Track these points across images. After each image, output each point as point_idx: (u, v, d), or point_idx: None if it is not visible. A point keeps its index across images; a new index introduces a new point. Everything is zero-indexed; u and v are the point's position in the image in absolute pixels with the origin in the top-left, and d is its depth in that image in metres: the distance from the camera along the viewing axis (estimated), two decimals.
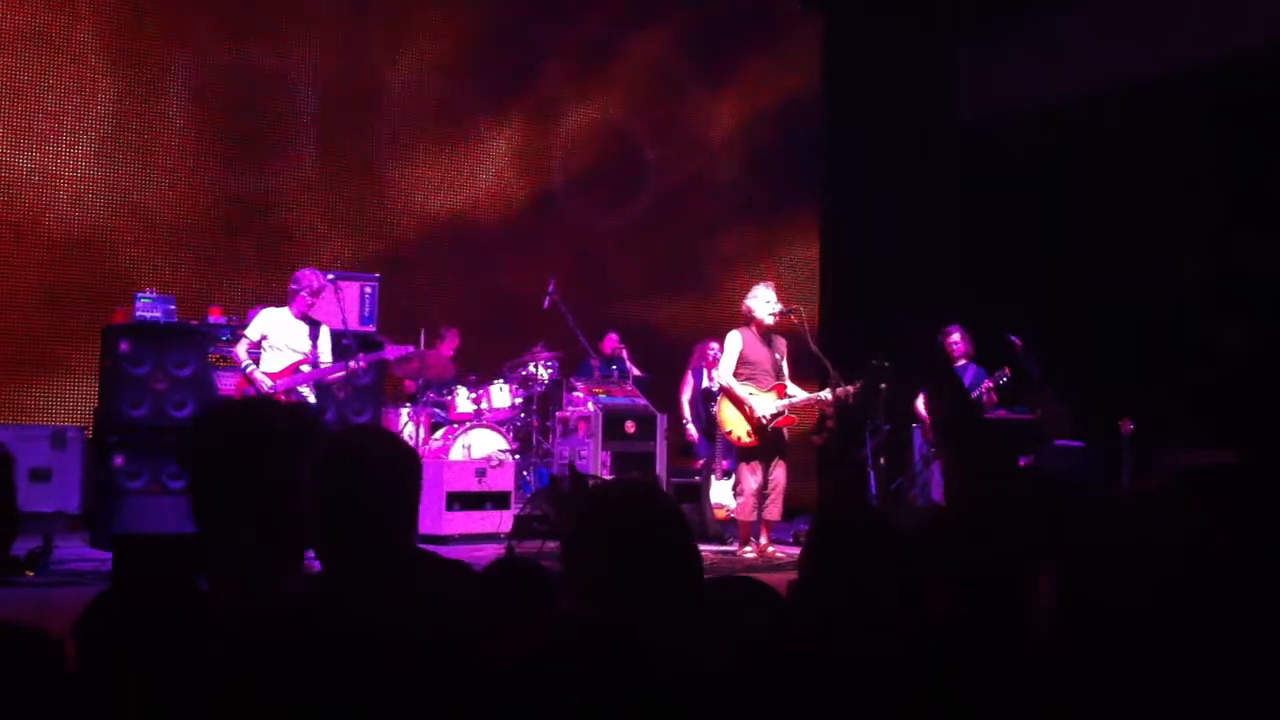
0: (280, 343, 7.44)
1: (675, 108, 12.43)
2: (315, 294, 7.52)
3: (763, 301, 7.76)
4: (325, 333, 7.60)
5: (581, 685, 1.75)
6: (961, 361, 8.88)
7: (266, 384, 7.31)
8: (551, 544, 6.99)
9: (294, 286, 7.52)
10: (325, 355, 7.52)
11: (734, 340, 7.82)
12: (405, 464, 2.42)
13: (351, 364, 7.55)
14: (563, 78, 11.88)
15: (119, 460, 7.87)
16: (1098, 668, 1.85)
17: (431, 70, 11.16)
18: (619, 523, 2.09)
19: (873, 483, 8.65)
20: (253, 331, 7.47)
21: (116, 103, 9.85)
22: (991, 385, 8.53)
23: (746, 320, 7.85)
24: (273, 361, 7.42)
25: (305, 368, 7.40)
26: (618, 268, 11.93)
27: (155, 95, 10.03)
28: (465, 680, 1.89)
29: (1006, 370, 8.48)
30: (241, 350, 7.42)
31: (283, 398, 7.29)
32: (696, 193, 12.43)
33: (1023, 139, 10.62)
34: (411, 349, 8.06)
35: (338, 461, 2.39)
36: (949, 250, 11.00)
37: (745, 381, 7.75)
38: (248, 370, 7.35)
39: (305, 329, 7.51)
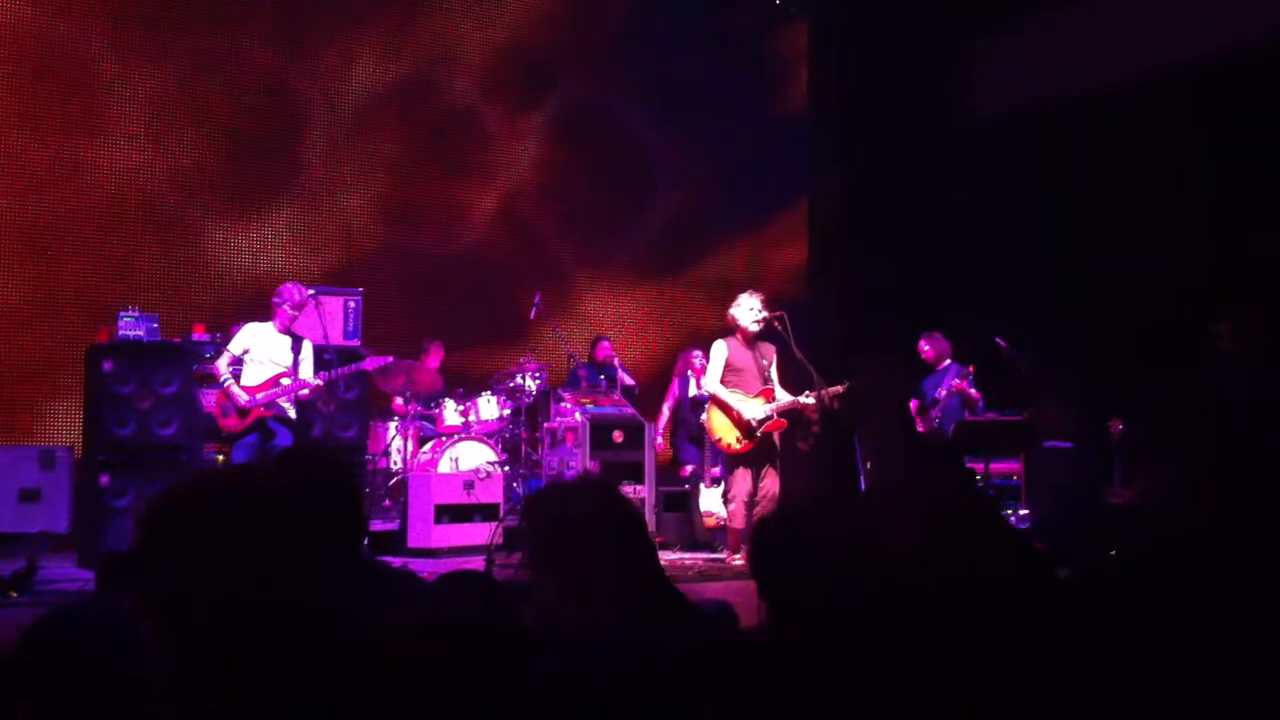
0: (263, 356, 7.45)
1: None
2: (297, 307, 7.52)
3: (746, 309, 7.78)
4: (308, 347, 7.59)
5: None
6: (946, 363, 8.89)
7: (243, 398, 7.30)
8: None
9: (276, 300, 7.52)
10: (306, 370, 7.52)
11: (719, 348, 7.84)
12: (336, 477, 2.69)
13: (322, 378, 7.54)
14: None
15: (105, 479, 7.86)
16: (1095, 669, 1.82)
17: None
18: None
19: (863, 485, 8.67)
20: (235, 346, 7.49)
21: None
22: (959, 385, 8.52)
23: (731, 328, 7.86)
24: (254, 375, 7.43)
25: (285, 381, 7.39)
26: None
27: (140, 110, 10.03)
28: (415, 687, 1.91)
29: (971, 368, 8.55)
30: (223, 365, 7.44)
31: (261, 411, 7.29)
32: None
33: (1021, 139, 10.44)
34: (391, 359, 8.05)
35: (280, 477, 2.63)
36: (949, 250, 10.87)
37: (733, 388, 7.75)
38: (226, 384, 7.36)
39: (288, 343, 7.50)
